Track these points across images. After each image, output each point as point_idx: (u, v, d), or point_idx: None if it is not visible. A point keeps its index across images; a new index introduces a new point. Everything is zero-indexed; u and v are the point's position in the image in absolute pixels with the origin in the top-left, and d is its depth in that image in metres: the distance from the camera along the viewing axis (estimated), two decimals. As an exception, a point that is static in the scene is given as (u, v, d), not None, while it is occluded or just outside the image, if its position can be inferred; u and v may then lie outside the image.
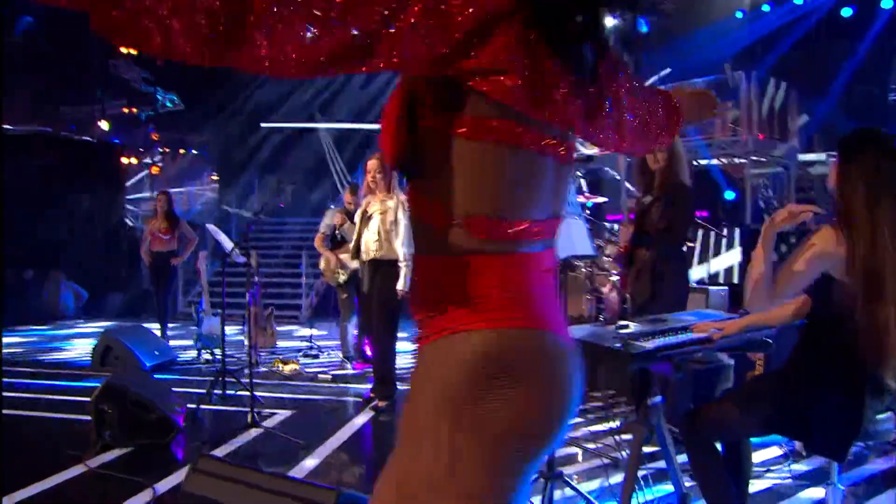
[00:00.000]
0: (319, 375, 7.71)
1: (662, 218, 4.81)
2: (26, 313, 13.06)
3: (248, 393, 5.62)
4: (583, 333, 2.87)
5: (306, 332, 10.16)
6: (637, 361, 2.67)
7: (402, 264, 5.92)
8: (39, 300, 13.69)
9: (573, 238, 3.69)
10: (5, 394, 6.83)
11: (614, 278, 7.69)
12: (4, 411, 6.12)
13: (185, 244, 9.25)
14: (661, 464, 4.22)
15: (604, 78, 1.43)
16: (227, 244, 6.77)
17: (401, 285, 5.90)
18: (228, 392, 6.30)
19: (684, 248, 5.15)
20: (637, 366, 2.74)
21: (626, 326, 3.04)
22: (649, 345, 2.74)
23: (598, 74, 1.41)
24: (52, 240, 14.00)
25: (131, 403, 4.95)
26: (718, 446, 3.17)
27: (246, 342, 8.81)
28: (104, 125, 17.10)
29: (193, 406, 5.70)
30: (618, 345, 2.68)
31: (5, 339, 11.06)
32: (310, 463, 4.67)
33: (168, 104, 19.17)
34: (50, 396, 6.66)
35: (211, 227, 7.43)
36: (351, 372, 7.81)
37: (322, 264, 7.96)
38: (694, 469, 3.16)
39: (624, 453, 4.43)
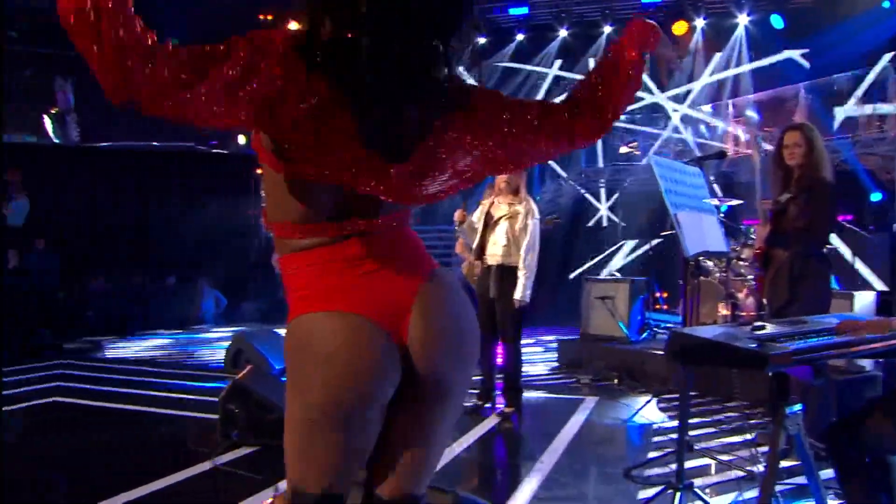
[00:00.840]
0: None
1: (801, 216, 4.52)
2: (169, 318, 13.65)
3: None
4: (714, 334, 2.68)
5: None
6: (774, 364, 2.46)
7: (520, 273, 5.80)
8: (182, 306, 14.29)
9: (705, 234, 3.49)
10: (145, 392, 7.12)
11: (750, 283, 7.34)
12: (143, 409, 6.39)
13: None
14: (802, 479, 3.95)
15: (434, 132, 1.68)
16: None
17: (518, 294, 5.78)
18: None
19: (825, 249, 4.82)
20: (773, 369, 2.53)
21: (763, 327, 2.82)
22: (788, 346, 2.53)
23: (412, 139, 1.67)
24: (195, 249, 14.60)
25: (255, 404, 5.02)
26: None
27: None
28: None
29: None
30: (753, 345, 2.48)
31: (149, 342, 11.59)
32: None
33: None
34: (186, 396, 6.88)
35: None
36: (476, 377, 7.72)
37: (465, 269, 7.92)
38: (843, 486, 2.89)
39: (759, 467, 4.17)
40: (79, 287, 13.33)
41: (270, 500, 3.84)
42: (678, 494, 3.33)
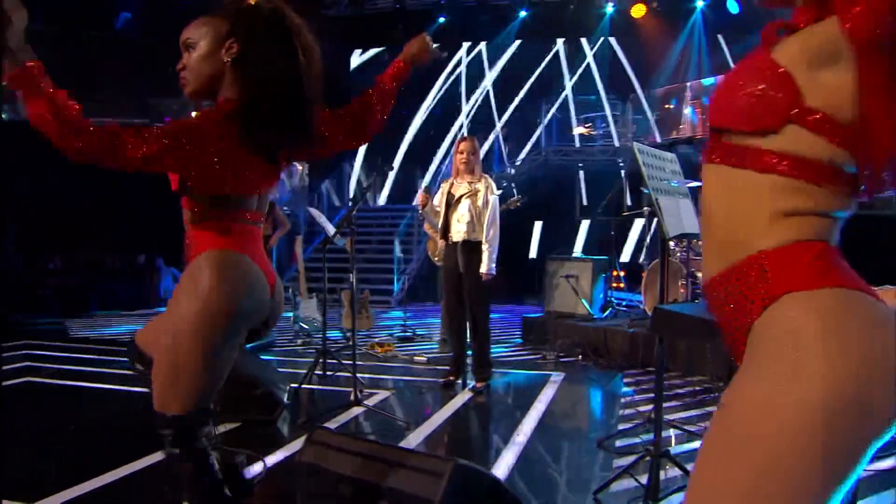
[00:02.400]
0: (415, 358, 7.83)
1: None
2: (128, 297, 13.61)
3: (347, 374, 5.75)
4: (695, 310, 2.86)
5: (399, 316, 10.26)
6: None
7: (484, 246, 5.99)
8: (140, 285, 14.24)
9: (682, 217, 3.67)
10: (116, 371, 7.15)
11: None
12: (117, 387, 6.42)
13: (278, 229, 9.32)
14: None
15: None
16: (329, 228, 6.89)
17: (484, 268, 5.97)
18: (328, 373, 6.44)
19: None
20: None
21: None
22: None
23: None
24: (151, 226, 14.49)
25: (235, 380, 5.08)
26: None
27: (344, 324, 9.01)
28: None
29: (295, 385, 5.84)
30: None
31: (111, 321, 11.55)
32: (413, 441, 4.76)
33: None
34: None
35: (314, 210, 7.56)
36: (446, 355, 7.86)
37: (430, 247, 8.10)
38: None
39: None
40: (34, 266, 13.20)
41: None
42: (656, 462, 3.53)
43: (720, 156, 1.38)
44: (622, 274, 11.01)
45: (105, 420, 5.49)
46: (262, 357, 7.43)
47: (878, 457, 4.24)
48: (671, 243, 8.01)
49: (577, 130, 17.06)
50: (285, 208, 8.23)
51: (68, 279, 13.50)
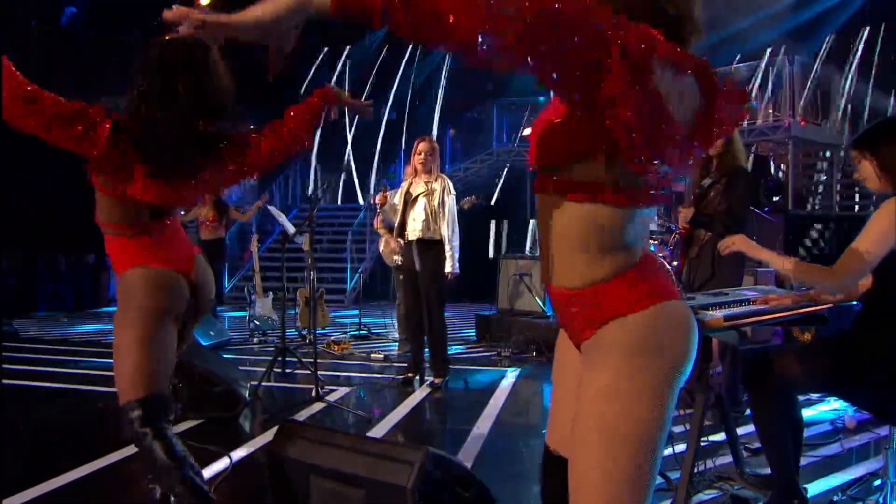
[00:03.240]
0: (372, 355, 7.90)
1: (722, 200, 4.93)
2: (86, 297, 13.43)
3: (306, 371, 5.79)
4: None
5: (353, 314, 10.30)
6: (707, 330, 2.80)
7: (447, 247, 6.12)
8: (86, 285, 14.06)
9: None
10: (72, 371, 7.10)
11: (665, 260, 7.78)
12: (74, 387, 6.37)
13: (227, 227, 9.11)
14: (715, 437, 4.34)
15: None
16: (289, 227, 6.92)
17: (448, 267, 6.10)
18: (287, 370, 6.48)
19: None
20: (708, 333, 2.86)
21: (693, 298, 3.16)
22: (718, 314, 2.86)
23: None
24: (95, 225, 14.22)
25: (199, 377, 5.14)
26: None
27: (299, 323, 9.04)
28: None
29: (255, 383, 5.85)
30: (689, 313, 2.79)
31: (62, 322, 11.39)
32: (375, 435, 4.82)
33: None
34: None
35: (273, 209, 7.59)
36: (404, 354, 7.89)
37: (382, 246, 8.15)
38: (755, 413, 3.23)
39: (682, 426, 4.56)
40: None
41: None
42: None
43: (553, 187, 1.58)
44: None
45: (59, 420, 5.44)
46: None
47: (822, 444, 4.46)
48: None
49: (527, 132, 17.21)
50: (271, 208, 8.21)
51: (15, 279, 13.27)
